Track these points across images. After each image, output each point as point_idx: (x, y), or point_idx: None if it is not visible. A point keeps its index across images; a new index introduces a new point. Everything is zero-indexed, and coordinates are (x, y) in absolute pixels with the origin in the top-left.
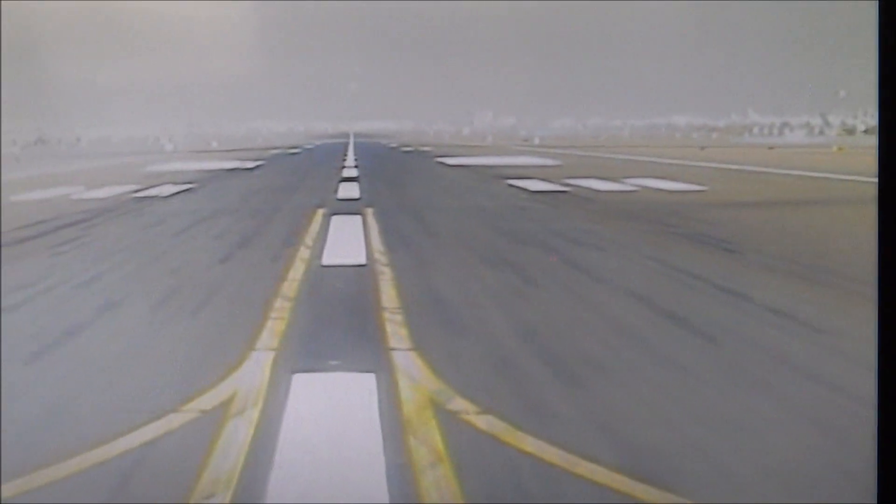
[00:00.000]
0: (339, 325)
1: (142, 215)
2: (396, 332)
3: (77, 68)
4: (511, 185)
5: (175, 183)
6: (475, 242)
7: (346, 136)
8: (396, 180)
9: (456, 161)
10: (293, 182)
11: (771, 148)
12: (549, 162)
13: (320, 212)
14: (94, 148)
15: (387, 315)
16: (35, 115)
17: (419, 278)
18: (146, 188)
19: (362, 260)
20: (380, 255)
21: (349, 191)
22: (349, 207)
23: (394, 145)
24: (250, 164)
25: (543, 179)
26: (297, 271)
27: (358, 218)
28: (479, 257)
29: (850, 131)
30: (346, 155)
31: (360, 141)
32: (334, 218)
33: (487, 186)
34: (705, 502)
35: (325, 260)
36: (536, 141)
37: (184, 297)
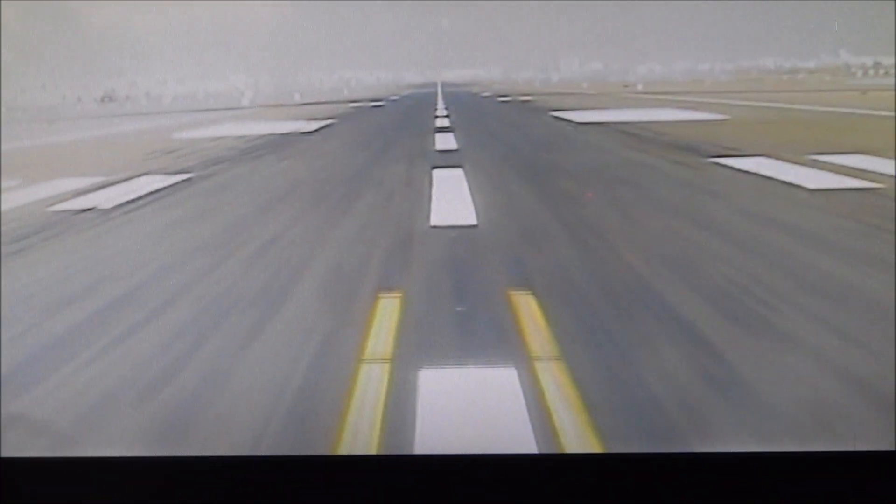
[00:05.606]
0: None
1: None
2: None
3: (159, 18)
4: (731, 168)
5: (167, 173)
6: None
7: (434, 85)
8: (522, 157)
9: (577, 117)
10: (361, 163)
11: None
12: (707, 116)
13: (389, 291)
14: (176, 104)
15: None
16: (107, 71)
17: None
18: (105, 186)
19: None
20: None
21: (452, 194)
22: (463, 271)
23: (487, 94)
24: (315, 126)
25: (766, 155)
26: None
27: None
28: None
29: None
30: (436, 110)
31: (450, 90)
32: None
33: (702, 178)
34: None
35: None
36: (640, 87)
37: None
